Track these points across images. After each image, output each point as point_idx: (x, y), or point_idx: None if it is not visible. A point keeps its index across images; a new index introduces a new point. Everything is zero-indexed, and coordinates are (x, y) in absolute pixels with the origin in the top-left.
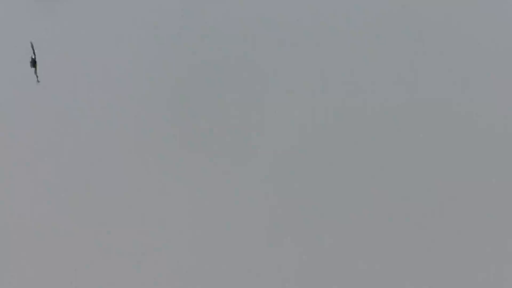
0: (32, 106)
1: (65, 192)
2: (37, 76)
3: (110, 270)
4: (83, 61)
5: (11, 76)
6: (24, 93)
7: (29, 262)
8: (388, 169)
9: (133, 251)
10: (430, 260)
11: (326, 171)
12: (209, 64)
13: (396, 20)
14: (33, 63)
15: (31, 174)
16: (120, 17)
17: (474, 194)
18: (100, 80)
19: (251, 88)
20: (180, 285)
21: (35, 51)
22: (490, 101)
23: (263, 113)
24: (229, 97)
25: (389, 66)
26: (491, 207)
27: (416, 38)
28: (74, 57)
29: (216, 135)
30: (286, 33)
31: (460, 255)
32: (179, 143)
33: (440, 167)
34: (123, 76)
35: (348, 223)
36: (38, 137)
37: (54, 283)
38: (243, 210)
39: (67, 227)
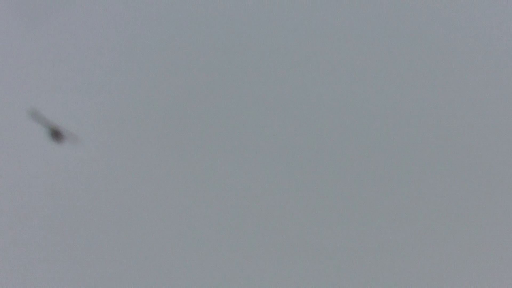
0: (31, 106)
1: (65, 191)
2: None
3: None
4: (82, 63)
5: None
6: (24, 94)
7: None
8: (387, 170)
9: (132, 250)
10: (430, 260)
11: (326, 171)
12: (209, 64)
13: (396, 20)
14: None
15: (30, 171)
16: (120, 19)
17: (474, 194)
18: (100, 80)
19: (251, 88)
20: (181, 285)
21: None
22: (490, 101)
23: (263, 113)
24: (229, 97)
25: (389, 66)
26: (491, 207)
27: (417, 38)
28: (74, 58)
29: (216, 135)
30: (286, 33)
31: (460, 254)
32: (178, 143)
33: (440, 167)
34: (122, 77)
35: (348, 223)
36: (37, 136)
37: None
38: (243, 209)
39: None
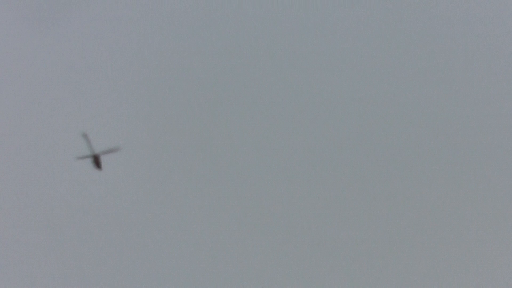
0: (34, 108)
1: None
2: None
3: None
4: (84, 65)
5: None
6: (28, 101)
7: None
8: (387, 169)
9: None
10: (430, 260)
11: (326, 171)
12: (209, 65)
13: (396, 20)
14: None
15: (32, 175)
16: (122, 21)
17: (473, 194)
18: (101, 81)
19: (251, 88)
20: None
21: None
22: (489, 101)
23: (263, 113)
24: (229, 97)
25: (389, 66)
26: (491, 207)
27: (416, 38)
28: (76, 61)
29: (217, 136)
30: (286, 33)
31: (460, 254)
32: (178, 145)
33: (440, 166)
34: (123, 79)
35: (349, 223)
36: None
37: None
38: (244, 210)
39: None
